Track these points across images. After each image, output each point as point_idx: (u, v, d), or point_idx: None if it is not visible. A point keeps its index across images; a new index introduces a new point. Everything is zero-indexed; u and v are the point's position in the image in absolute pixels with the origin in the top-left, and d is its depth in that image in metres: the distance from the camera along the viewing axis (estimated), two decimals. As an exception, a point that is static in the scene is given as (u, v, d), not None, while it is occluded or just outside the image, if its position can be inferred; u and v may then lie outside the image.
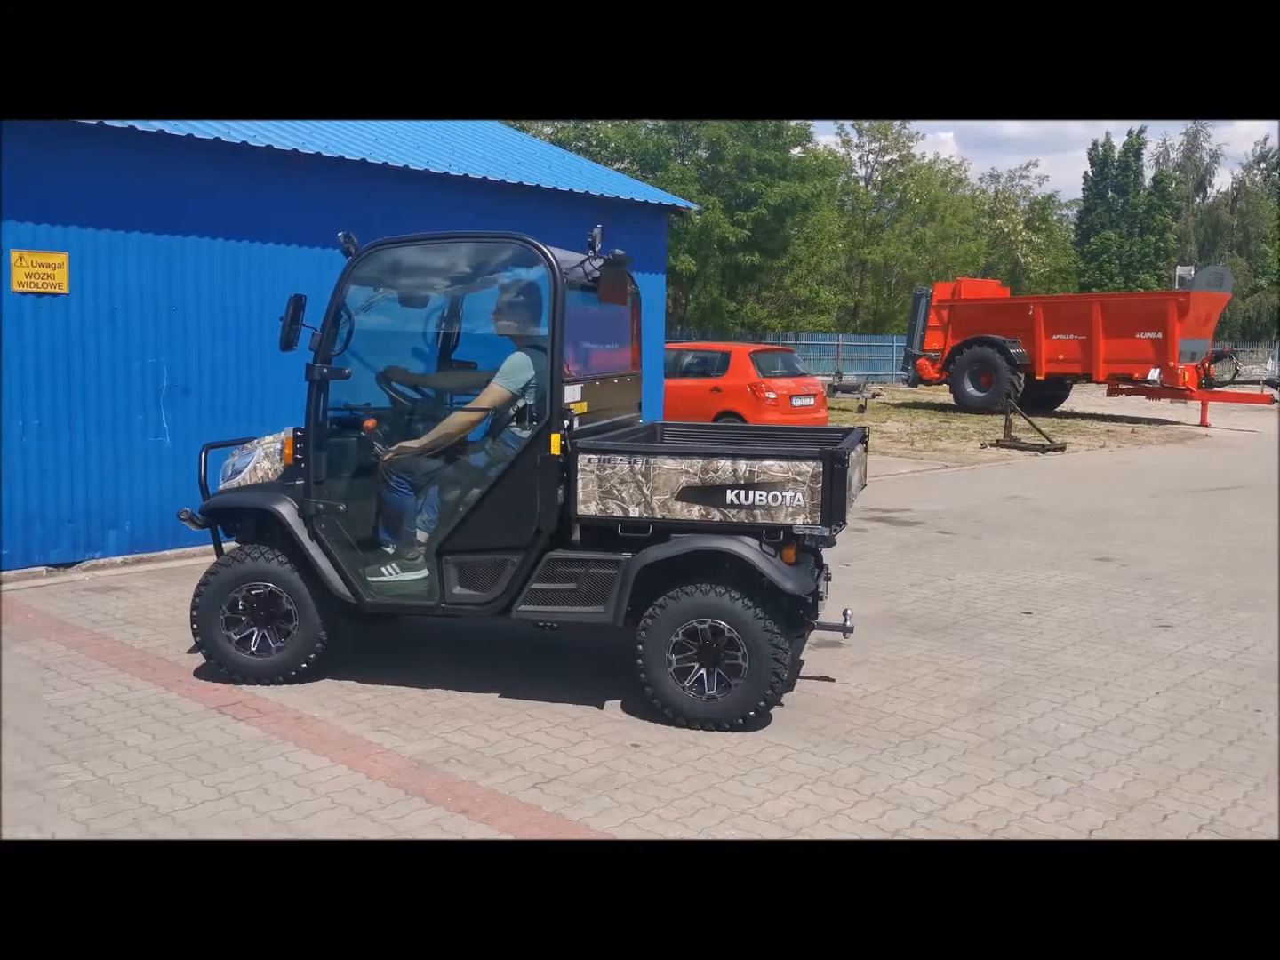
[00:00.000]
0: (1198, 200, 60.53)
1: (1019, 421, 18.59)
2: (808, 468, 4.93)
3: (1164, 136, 77.33)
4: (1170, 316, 22.80)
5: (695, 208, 13.87)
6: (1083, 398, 28.13)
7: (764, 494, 4.95)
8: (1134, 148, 56.13)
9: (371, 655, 6.10)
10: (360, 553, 5.48)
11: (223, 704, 5.27)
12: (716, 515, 5.01)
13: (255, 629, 5.52)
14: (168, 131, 8.00)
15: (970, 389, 24.73)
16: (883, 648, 6.47)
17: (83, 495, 8.03)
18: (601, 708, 5.35)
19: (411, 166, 9.53)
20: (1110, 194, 55.86)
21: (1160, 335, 22.95)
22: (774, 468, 4.96)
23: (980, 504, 12.01)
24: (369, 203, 9.30)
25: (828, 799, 4.37)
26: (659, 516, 5.06)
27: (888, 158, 45.33)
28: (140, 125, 7.87)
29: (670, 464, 5.04)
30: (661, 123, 34.39)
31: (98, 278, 8.01)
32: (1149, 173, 57.59)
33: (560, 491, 5.12)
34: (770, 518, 4.98)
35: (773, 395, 15.66)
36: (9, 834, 3.93)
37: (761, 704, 5.04)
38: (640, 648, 5.12)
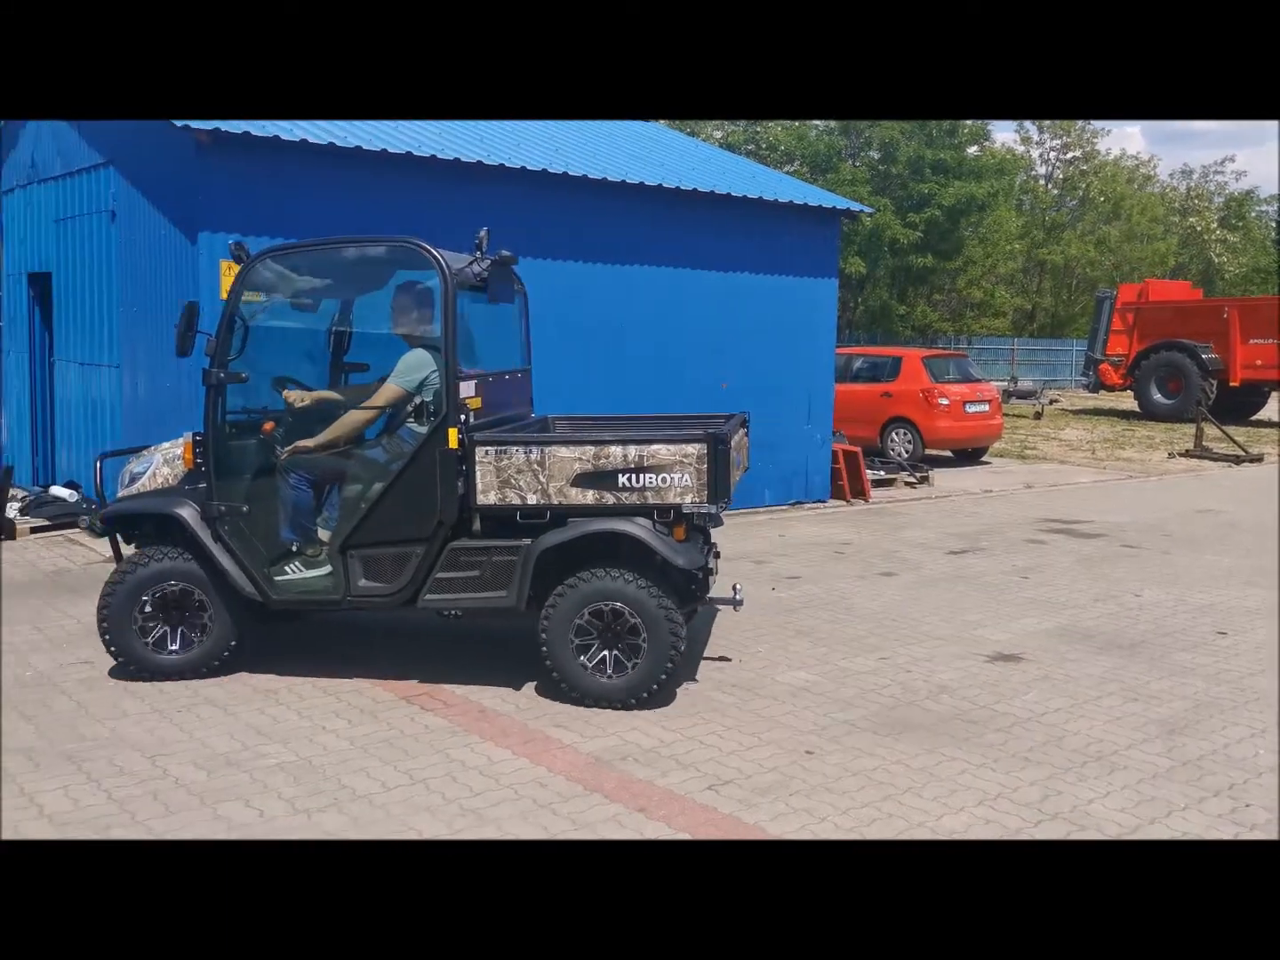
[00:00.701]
0: None
1: (1211, 430, 17.65)
2: (693, 450, 5.25)
3: (1378, 125, 71.76)
4: (1384, 319, 21.28)
5: (869, 211, 13.65)
6: (1282, 406, 26.48)
7: (653, 476, 5.27)
8: (1343, 138, 52.48)
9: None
10: (264, 552, 5.61)
11: (411, 695, 5.52)
12: (610, 498, 5.31)
13: (168, 629, 5.61)
14: (389, 151, 8.47)
15: (1157, 396, 23.63)
16: (1064, 664, 6.27)
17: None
18: (771, 715, 5.38)
19: (590, 176, 9.74)
20: (1316, 188, 52.35)
21: (1372, 339, 21.45)
22: (662, 451, 5.27)
23: (1168, 516, 11.47)
24: (552, 211, 9.59)
25: (1009, 817, 4.27)
26: (556, 503, 5.33)
27: (1069, 155, 43.72)
28: (366, 145, 8.37)
29: (564, 452, 5.30)
30: (833, 124, 34.07)
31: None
32: (1360, 164, 53.74)
33: (460, 483, 5.34)
34: (660, 498, 5.29)
35: (945, 401, 15.34)
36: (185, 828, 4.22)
37: (663, 678, 5.30)
38: (543, 633, 5.36)
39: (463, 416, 5.37)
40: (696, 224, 10.64)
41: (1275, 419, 24.06)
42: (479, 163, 9.06)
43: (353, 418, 5.65)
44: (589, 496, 5.31)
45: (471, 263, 5.67)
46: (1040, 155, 44.00)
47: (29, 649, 6.14)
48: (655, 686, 5.32)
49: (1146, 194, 45.56)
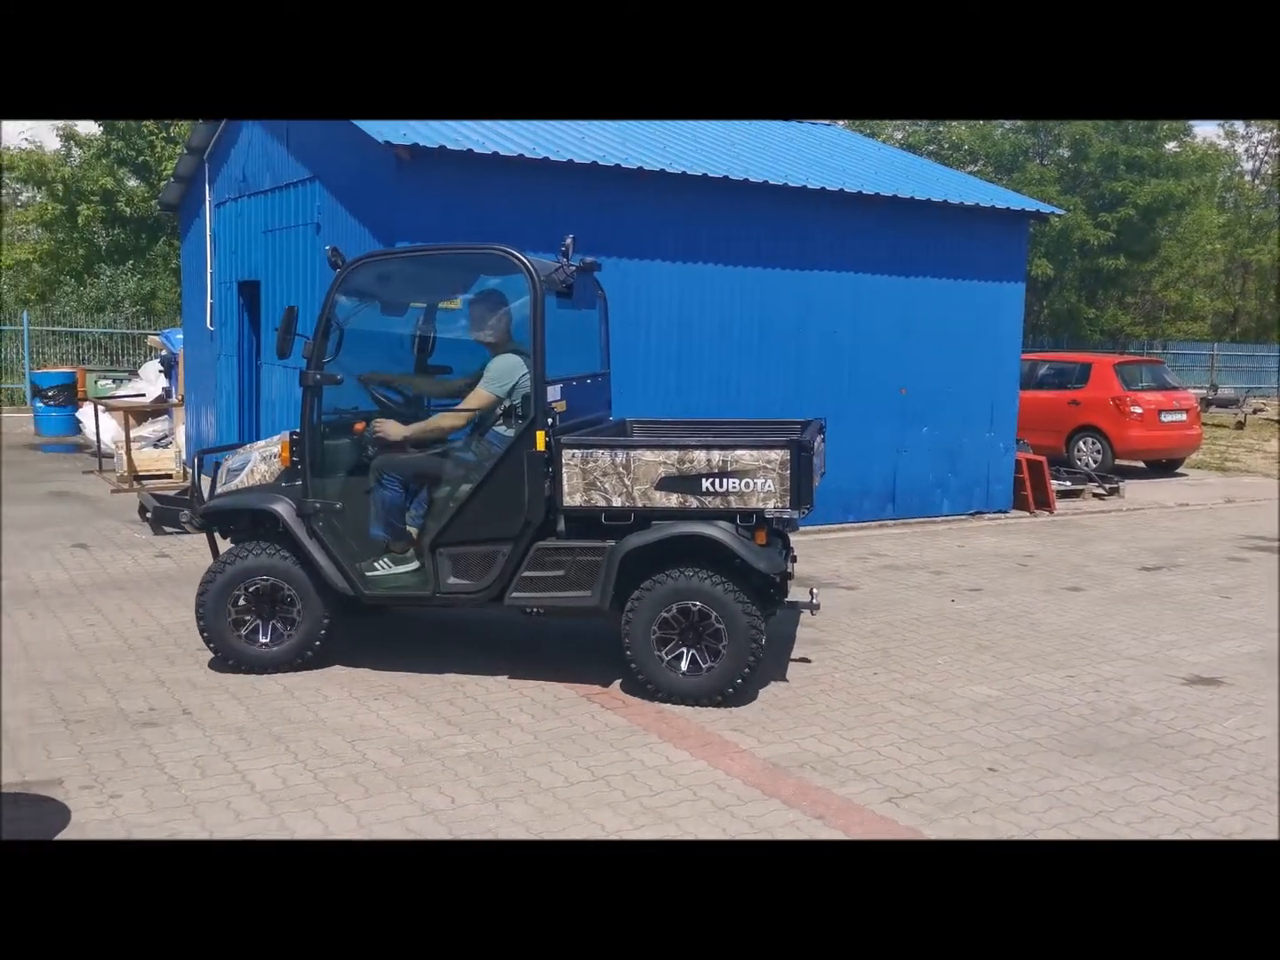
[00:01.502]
0: None
1: None
2: (777, 456, 5.31)
3: None
4: None
5: (1059, 212, 13.18)
6: None
7: (737, 481, 5.34)
8: None
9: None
10: (356, 548, 5.72)
11: (591, 693, 5.65)
12: (693, 502, 5.39)
13: (260, 621, 5.77)
14: (575, 161, 8.77)
15: (1376, 405, 21.96)
16: (1268, 690, 5.93)
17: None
18: (952, 730, 5.28)
19: (771, 182, 9.73)
20: None
21: None
22: (745, 457, 5.34)
23: (1388, 536, 10.67)
24: (737, 217, 9.66)
25: (1208, 848, 4.08)
26: (640, 505, 5.43)
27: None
28: (553, 157, 8.66)
29: (649, 456, 5.40)
30: (1019, 122, 32.97)
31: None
32: None
33: (546, 485, 5.47)
34: (743, 503, 5.36)
35: (1139, 410, 14.67)
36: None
37: (746, 673, 5.39)
38: (626, 632, 5.47)
39: (549, 420, 5.51)
40: (878, 227, 10.50)
41: None
42: (662, 171, 9.18)
43: (443, 420, 5.83)
44: (672, 500, 5.41)
45: (558, 269, 5.81)
46: (1246, 150, 41.53)
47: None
48: (736, 685, 5.41)
49: (1367, 188, 42.34)
